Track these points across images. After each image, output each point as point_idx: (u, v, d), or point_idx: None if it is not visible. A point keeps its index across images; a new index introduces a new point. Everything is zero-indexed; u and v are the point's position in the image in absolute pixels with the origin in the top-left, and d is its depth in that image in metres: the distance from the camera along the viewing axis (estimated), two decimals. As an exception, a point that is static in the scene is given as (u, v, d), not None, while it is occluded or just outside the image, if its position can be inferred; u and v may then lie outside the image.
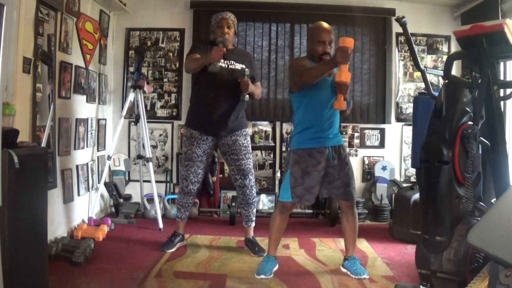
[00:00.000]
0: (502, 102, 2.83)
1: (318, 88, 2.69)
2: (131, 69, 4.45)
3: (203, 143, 3.19)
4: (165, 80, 4.64)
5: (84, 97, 3.85)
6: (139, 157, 4.23)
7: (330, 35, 2.77)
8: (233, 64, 3.14)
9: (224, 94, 3.11)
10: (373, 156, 4.69)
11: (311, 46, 2.82)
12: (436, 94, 2.46)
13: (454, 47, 4.58)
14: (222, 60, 3.10)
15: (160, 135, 4.65)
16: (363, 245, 3.50)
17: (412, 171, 4.53)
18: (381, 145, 4.70)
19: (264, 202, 4.51)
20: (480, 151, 2.29)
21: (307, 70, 2.65)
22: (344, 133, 4.63)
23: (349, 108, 2.82)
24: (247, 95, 3.12)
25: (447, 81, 2.37)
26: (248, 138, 3.28)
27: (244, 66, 3.15)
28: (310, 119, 2.76)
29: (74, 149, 3.66)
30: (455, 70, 3.98)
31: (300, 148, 2.77)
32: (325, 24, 2.80)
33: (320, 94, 2.71)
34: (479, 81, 2.25)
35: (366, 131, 4.70)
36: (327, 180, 2.77)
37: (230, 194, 4.44)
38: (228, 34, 3.11)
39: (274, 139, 4.64)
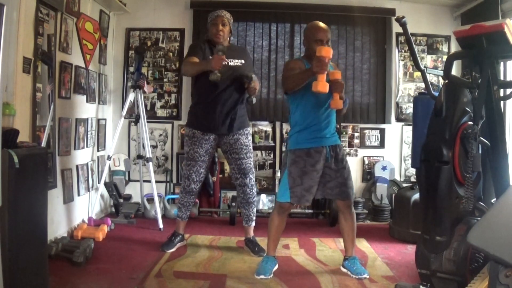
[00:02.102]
0: (502, 102, 2.83)
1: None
2: (131, 69, 4.46)
3: (205, 143, 3.19)
4: (165, 80, 4.64)
5: (84, 97, 3.85)
6: (139, 157, 4.23)
7: (327, 34, 2.75)
8: (232, 60, 3.14)
9: (224, 92, 3.11)
10: (373, 156, 4.69)
11: (308, 45, 2.81)
12: (436, 94, 2.45)
13: (454, 47, 4.58)
14: None
15: (160, 135, 4.65)
16: (363, 245, 3.50)
17: (412, 171, 4.53)
18: (381, 145, 4.70)
19: (264, 202, 4.51)
20: (480, 151, 2.29)
21: (289, 77, 2.67)
22: (344, 133, 4.63)
23: (345, 107, 2.84)
24: (254, 98, 3.22)
25: (447, 81, 2.37)
26: (250, 137, 3.29)
27: (243, 61, 3.16)
28: (307, 119, 2.76)
29: (74, 149, 3.67)
30: (455, 70, 3.99)
31: (298, 148, 2.77)
32: (321, 23, 2.79)
33: (316, 94, 2.66)
34: (479, 81, 2.25)
35: (366, 131, 4.70)
36: (322, 181, 2.77)
37: (230, 194, 4.44)
38: (223, 32, 3.12)
39: (274, 139, 4.64)
